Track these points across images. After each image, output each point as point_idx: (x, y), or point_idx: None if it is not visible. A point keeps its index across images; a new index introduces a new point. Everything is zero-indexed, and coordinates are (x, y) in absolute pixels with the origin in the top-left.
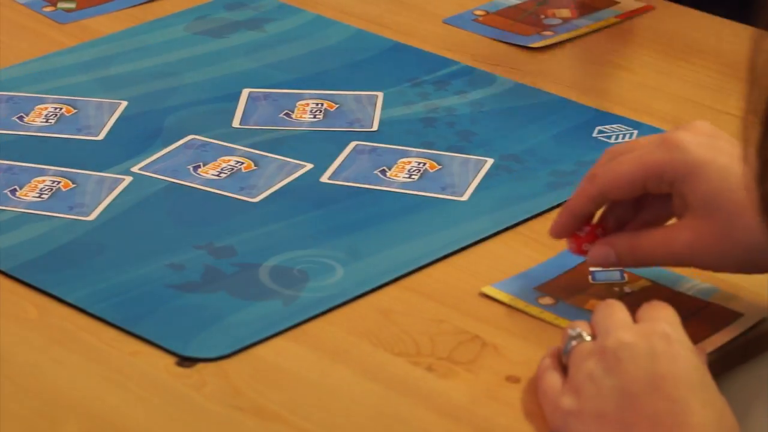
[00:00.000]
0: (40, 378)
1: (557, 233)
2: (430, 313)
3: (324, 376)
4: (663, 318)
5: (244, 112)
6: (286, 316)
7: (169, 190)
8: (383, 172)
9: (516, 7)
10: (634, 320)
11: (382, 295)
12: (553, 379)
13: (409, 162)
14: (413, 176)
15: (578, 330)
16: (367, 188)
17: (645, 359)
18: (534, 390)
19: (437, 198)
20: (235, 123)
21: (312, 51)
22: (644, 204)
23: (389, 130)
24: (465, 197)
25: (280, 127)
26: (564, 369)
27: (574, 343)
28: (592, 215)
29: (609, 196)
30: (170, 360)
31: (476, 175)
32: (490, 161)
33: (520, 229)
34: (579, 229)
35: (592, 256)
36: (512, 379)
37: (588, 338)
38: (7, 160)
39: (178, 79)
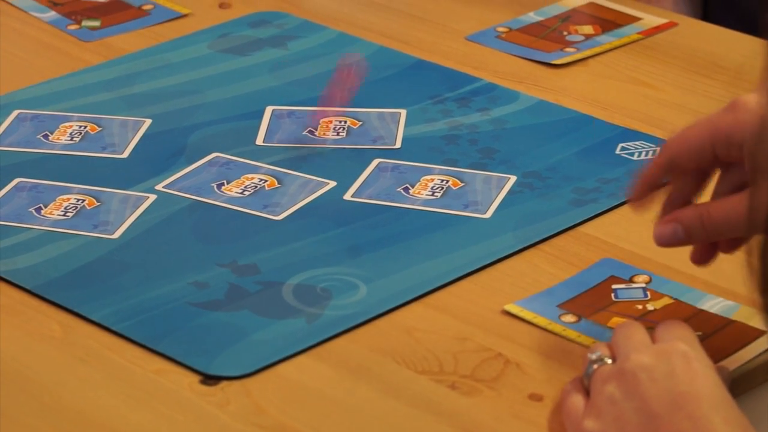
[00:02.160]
0: (65, 396)
1: (634, 200)
2: (453, 331)
3: (347, 394)
4: (680, 337)
5: (267, 129)
6: (309, 334)
7: (193, 208)
8: (406, 189)
9: (539, 23)
10: (652, 340)
11: (405, 312)
12: (576, 401)
13: (432, 179)
14: (436, 194)
15: (598, 353)
16: (390, 206)
17: (665, 380)
18: (557, 409)
19: (460, 215)
20: (259, 140)
21: (334, 68)
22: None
23: (412, 148)
24: (488, 215)
25: (303, 144)
26: (586, 391)
27: (595, 366)
28: (662, 184)
29: (678, 162)
30: (194, 378)
31: (499, 193)
32: (512, 178)
33: (543, 246)
34: None
35: (658, 234)
36: (535, 397)
37: (608, 361)
38: (32, 178)
39: (201, 97)
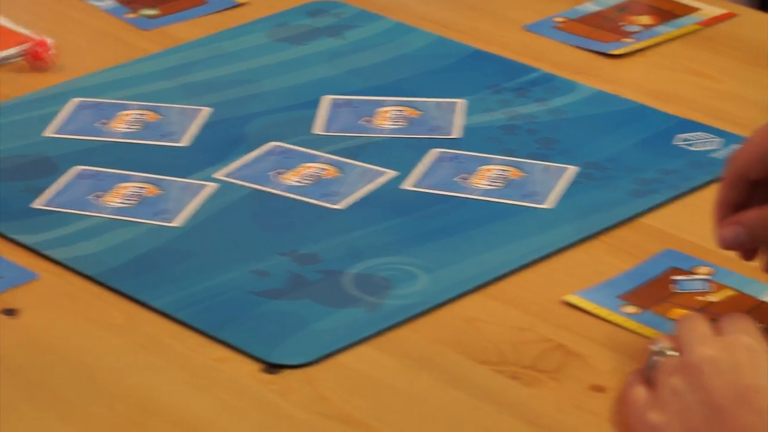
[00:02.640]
0: (127, 383)
1: (724, 243)
2: (513, 321)
3: (408, 383)
4: (744, 329)
5: (325, 118)
6: (370, 323)
7: (253, 196)
8: (465, 179)
9: (596, 14)
10: (716, 332)
11: (466, 302)
12: (639, 392)
13: (491, 169)
14: (495, 184)
15: (660, 345)
16: (450, 195)
17: (729, 372)
18: (619, 400)
19: (520, 206)
20: (317, 130)
21: (392, 58)
22: None
23: (470, 138)
24: (548, 205)
25: (361, 134)
26: (648, 383)
27: (656, 358)
28: (741, 201)
29: (748, 175)
30: (255, 366)
31: (560, 183)
32: (573, 169)
33: (603, 237)
34: None
35: (721, 237)
36: (597, 388)
37: (670, 353)
38: (92, 166)
39: (259, 86)
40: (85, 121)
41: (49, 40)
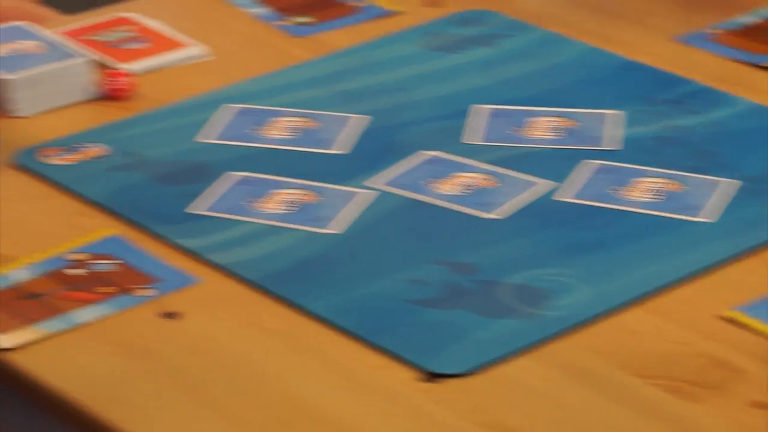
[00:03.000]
0: (284, 387)
1: None
2: (673, 335)
3: (566, 395)
4: None
5: (479, 128)
6: (528, 333)
7: (409, 205)
8: (621, 191)
9: (754, 26)
10: None
11: (624, 315)
12: None
13: (648, 182)
14: (654, 196)
15: None
16: (607, 208)
17: None
18: None
19: (679, 219)
20: (470, 139)
21: (544, 68)
22: None
23: (627, 149)
24: (707, 218)
25: (514, 144)
26: None
27: None
28: None
29: None
30: (412, 374)
31: (720, 197)
32: (734, 183)
33: (765, 252)
34: None
35: None
36: (759, 405)
37: None
38: (251, 171)
39: (413, 95)
40: (239, 127)
41: (125, 69)
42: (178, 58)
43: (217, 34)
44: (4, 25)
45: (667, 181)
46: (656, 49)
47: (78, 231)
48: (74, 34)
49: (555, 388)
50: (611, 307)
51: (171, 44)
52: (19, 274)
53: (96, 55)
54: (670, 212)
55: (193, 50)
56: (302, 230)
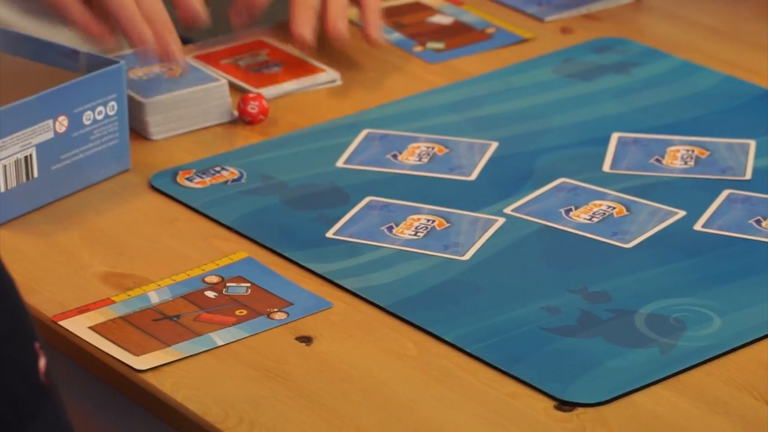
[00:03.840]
0: (420, 414)
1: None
2: None
3: (701, 426)
4: None
5: (614, 156)
6: (663, 364)
7: (542, 232)
8: (758, 221)
9: None
10: None
11: (762, 347)
12: None
13: None
14: None
15: None
16: (742, 238)
17: None
18: None
19: None
20: (606, 167)
21: (680, 97)
22: None
23: (762, 179)
24: None
25: (650, 172)
26: None
27: None
28: None
29: None
30: (549, 403)
31: None
32: None
33: None
34: None
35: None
36: None
37: None
38: (383, 197)
39: (547, 122)
40: (375, 152)
41: (260, 93)
42: (312, 84)
43: (353, 60)
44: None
45: None
46: None
47: (212, 253)
48: (209, 58)
49: (690, 419)
50: (749, 338)
51: (304, 69)
52: (155, 295)
53: (231, 79)
54: None
55: (326, 75)
56: (433, 256)
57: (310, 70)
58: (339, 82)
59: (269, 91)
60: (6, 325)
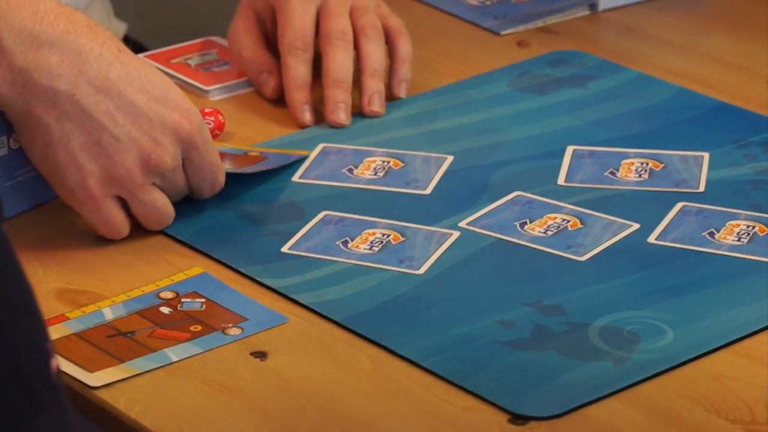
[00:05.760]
0: (375, 428)
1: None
2: (764, 380)
3: None
4: None
5: (569, 169)
6: (617, 377)
7: (497, 246)
8: (711, 234)
9: None
10: None
11: (714, 359)
12: None
13: (738, 225)
14: (743, 239)
15: None
16: (696, 250)
17: None
18: None
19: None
20: (560, 180)
21: (635, 109)
22: None
23: (716, 192)
24: None
25: (605, 185)
26: None
27: None
28: None
29: None
30: (503, 417)
31: None
32: None
33: None
34: None
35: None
36: None
37: None
38: (339, 211)
39: (502, 135)
40: (331, 166)
41: (217, 109)
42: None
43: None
44: None
45: (756, 224)
46: (751, 92)
47: (168, 269)
48: (159, 58)
49: (643, 431)
50: (702, 351)
51: None
52: (109, 312)
53: (182, 77)
54: (759, 256)
55: None
56: (388, 270)
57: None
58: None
59: (218, 89)
60: (23, 321)
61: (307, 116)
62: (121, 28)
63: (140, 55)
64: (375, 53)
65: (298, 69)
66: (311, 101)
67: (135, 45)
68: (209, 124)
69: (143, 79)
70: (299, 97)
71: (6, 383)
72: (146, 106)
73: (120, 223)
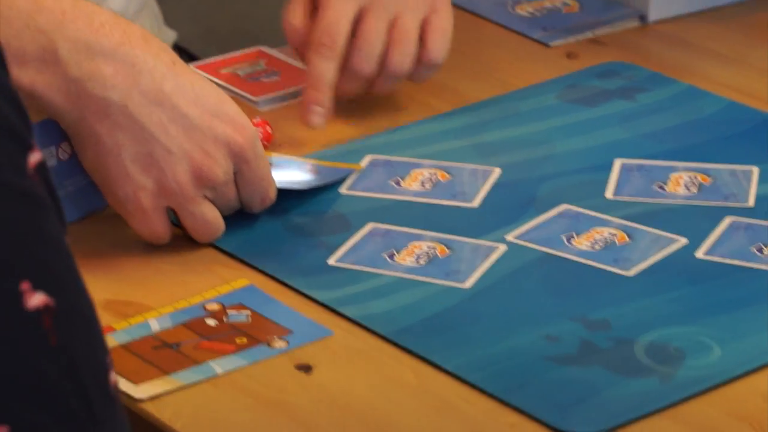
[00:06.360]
0: None
1: None
2: None
3: None
4: None
5: (617, 182)
6: (663, 394)
7: (543, 260)
8: (760, 249)
9: None
10: None
11: (762, 377)
12: None
13: None
14: None
15: None
16: (744, 266)
17: None
18: None
19: None
20: (608, 194)
21: (684, 122)
22: None
23: (765, 206)
24: None
25: (653, 199)
26: None
27: None
28: None
29: None
30: None
31: None
32: None
33: None
34: None
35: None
36: None
37: None
38: (386, 223)
39: (550, 148)
40: (379, 178)
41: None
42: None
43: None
44: None
45: None
46: None
47: (214, 280)
48: (209, 68)
49: None
50: (749, 368)
51: (303, 78)
52: (156, 323)
53: (231, 88)
54: None
55: None
56: (434, 284)
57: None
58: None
59: (267, 100)
60: (84, 332)
61: (315, 118)
62: (171, 36)
63: (189, 65)
64: (398, 60)
65: (320, 67)
66: (326, 103)
67: (185, 53)
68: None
69: (197, 92)
70: (312, 96)
71: (67, 395)
72: (199, 119)
73: (165, 233)
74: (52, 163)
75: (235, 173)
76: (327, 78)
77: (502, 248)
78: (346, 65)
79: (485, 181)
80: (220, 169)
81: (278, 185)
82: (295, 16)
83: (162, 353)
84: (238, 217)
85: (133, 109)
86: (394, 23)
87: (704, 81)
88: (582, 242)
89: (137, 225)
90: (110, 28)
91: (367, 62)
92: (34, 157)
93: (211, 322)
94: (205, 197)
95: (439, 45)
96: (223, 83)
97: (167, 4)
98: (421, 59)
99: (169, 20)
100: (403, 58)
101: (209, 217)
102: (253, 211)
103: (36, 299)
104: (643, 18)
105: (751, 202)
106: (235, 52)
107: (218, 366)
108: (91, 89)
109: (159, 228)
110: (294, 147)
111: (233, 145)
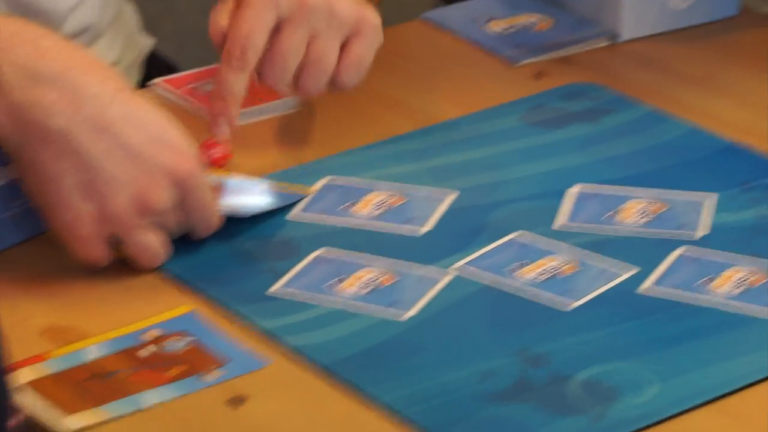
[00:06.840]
0: None
1: None
2: None
3: None
4: None
5: (571, 210)
6: None
7: (487, 291)
8: (708, 282)
9: None
10: None
11: (695, 417)
12: None
13: (735, 273)
14: (737, 289)
15: None
16: (690, 300)
17: None
18: None
19: (763, 319)
20: (561, 221)
21: (645, 147)
22: None
23: (718, 238)
24: None
25: (606, 227)
26: None
27: None
28: None
29: None
30: None
31: None
32: None
33: None
34: None
35: None
36: None
37: None
38: (336, 249)
39: (508, 172)
40: (332, 202)
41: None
42: (270, 109)
43: (319, 102)
44: None
45: (756, 274)
46: (761, 131)
47: (158, 306)
48: (175, 82)
49: None
50: (682, 408)
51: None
52: (93, 350)
53: (194, 103)
54: (757, 304)
55: (284, 102)
56: (377, 314)
57: (273, 96)
58: (295, 108)
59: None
60: None
61: (219, 129)
62: (148, 43)
63: (158, 80)
64: (310, 83)
65: (228, 78)
66: (232, 114)
67: (162, 61)
68: (216, 153)
69: (141, 119)
70: (218, 107)
71: None
72: (142, 147)
73: (103, 260)
74: (1, 182)
75: (178, 201)
76: (234, 90)
77: (447, 278)
78: (257, 74)
79: (439, 205)
80: (162, 197)
81: (223, 212)
82: (223, 17)
83: (94, 383)
84: (185, 240)
85: (76, 137)
86: (312, 41)
87: (672, 103)
88: (528, 273)
89: (76, 251)
90: (56, 53)
91: (276, 78)
92: None
93: (146, 351)
94: (150, 224)
95: (352, 73)
96: (186, 98)
97: (149, 11)
98: (332, 79)
99: (150, 26)
100: (314, 81)
101: (152, 245)
102: (198, 237)
103: None
104: (614, 37)
105: (703, 232)
106: (204, 68)
107: (149, 398)
108: (34, 115)
109: (98, 255)
110: (253, 166)
111: (176, 173)
